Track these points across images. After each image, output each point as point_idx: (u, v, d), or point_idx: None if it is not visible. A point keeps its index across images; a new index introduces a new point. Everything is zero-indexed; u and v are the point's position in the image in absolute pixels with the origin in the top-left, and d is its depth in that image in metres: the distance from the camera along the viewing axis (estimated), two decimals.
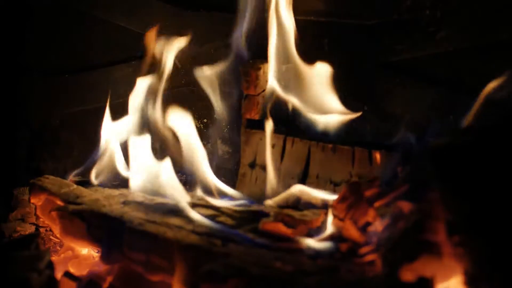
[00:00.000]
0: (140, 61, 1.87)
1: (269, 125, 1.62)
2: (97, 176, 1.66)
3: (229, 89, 1.87)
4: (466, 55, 1.59)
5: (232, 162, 1.69)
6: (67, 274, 1.41)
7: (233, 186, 1.65)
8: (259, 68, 1.72)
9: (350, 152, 1.57)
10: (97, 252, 1.53)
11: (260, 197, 1.68)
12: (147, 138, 1.59)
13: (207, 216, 1.39)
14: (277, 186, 1.59)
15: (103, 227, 1.40)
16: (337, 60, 1.64)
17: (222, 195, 1.56)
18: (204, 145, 1.88)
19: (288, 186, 1.65)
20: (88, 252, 1.58)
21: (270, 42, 1.67)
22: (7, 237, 1.68)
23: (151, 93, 1.76)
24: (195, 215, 1.37)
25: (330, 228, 1.29)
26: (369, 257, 1.16)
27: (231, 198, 1.55)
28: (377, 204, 1.26)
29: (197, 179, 1.56)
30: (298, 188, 1.49)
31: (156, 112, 1.70)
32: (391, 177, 1.40)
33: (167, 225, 1.34)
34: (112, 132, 1.71)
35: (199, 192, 1.55)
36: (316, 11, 1.66)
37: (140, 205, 1.46)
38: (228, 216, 1.41)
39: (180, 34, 1.86)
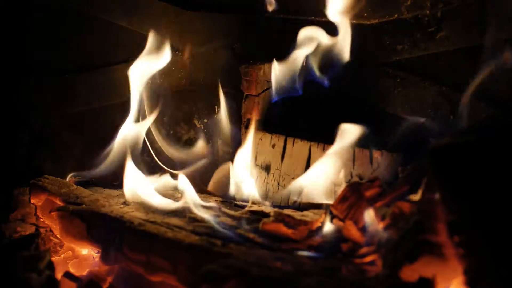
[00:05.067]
0: None
1: None
2: None
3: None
4: (466, 55, 1.59)
5: None
6: (67, 274, 1.40)
7: None
8: (260, 68, 1.72)
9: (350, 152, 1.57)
10: (97, 252, 1.52)
11: (260, 197, 1.68)
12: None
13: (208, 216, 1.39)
14: None
15: (103, 228, 1.40)
16: None
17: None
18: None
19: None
20: (88, 252, 1.58)
21: None
22: (7, 238, 1.67)
23: None
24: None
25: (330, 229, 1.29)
26: (370, 258, 1.16)
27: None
28: (377, 204, 1.26)
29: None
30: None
31: None
32: (392, 177, 1.41)
33: (168, 225, 1.34)
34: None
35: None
36: (316, 11, 1.66)
37: None
38: (228, 216, 1.41)
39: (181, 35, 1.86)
